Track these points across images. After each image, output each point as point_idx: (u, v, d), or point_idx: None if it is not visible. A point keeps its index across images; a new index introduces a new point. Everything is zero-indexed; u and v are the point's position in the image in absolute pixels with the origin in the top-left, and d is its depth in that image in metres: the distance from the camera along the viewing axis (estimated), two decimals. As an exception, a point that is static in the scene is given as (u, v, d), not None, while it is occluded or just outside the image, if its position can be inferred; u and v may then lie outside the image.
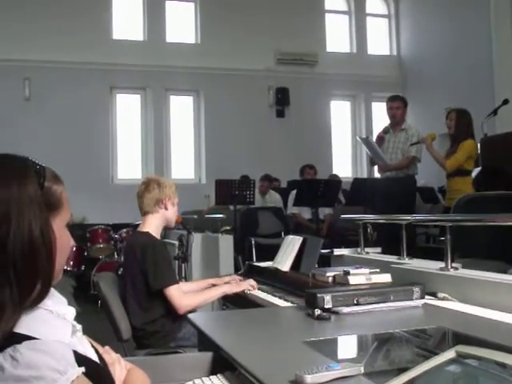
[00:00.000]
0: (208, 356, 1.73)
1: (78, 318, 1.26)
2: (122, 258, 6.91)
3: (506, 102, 6.39)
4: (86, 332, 1.31)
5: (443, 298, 2.11)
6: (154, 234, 3.14)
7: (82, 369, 1.07)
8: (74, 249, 6.95)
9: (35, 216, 1.11)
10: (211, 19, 10.88)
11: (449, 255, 2.25)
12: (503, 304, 1.86)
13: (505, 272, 2.38)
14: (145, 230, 3.16)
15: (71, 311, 1.24)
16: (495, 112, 6.11)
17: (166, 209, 3.17)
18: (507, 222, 2.14)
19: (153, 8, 10.84)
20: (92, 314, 5.79)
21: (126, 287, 3.06)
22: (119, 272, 5.88)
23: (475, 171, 5.20)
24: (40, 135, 9.43)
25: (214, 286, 3.28)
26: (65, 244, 1.23)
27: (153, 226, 3.16)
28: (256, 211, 7.70)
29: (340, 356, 1.63)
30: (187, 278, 4.81)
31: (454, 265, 2.26)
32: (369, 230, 3.44)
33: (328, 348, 1.57)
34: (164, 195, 3.16)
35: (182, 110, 11.15)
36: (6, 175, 1.11)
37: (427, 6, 11.14)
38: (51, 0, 9.87)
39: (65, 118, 9.79)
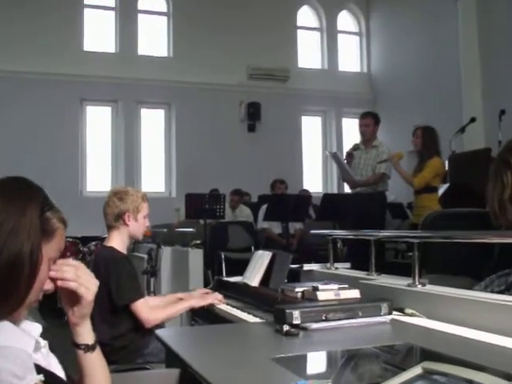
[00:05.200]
0: (175, 373, 1.71)
1: (43, 333, 1.24)
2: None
3: (473, 120, 6.53)
4: (51, 346, 1.29)
5: (411, 314, 2.12)
6: (118, 249, 3.07)
7: (41, 376, 1.08)
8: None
9: (29, 236, 1.17)
10: (184, 33, 10.90)
11: (416, 271, 2.26)
12: (469, 320, 1.88)
13: (471, 288, 2.41)
14: (109, 244, 3.10)
15: (36, 328, 1.23)
16: (463, 130, 6.23)
17: (126, 224, 3.07)
18: (474, 239, 2.17)
19: (125, 20, 10.81)
20: (58, 328, 5.70)
21: (92, 302, 3.00)
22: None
23: (442, 188, 5.28)
24: (7, 146, 9.29)
25: (181, 300, 3.25)
26: (44, 276, 1.25)
27: (117, 240, 3.09)
28: (226, 225, 7.68)
29: (308, 372, 1.62)
30: (156, 293, 4.76)
31: (421, 281, 2.28)
32: (338, 246, 3.47)
33: (296, 364, 1.56)
34: (125, 210, 3.05)
35: (153, 123, 11.11)
36: (17, 194, 1.21)
37: (397, 24, 11.34)
38: (21, 9, 9.75)
39: (33, 129, 9.67)
